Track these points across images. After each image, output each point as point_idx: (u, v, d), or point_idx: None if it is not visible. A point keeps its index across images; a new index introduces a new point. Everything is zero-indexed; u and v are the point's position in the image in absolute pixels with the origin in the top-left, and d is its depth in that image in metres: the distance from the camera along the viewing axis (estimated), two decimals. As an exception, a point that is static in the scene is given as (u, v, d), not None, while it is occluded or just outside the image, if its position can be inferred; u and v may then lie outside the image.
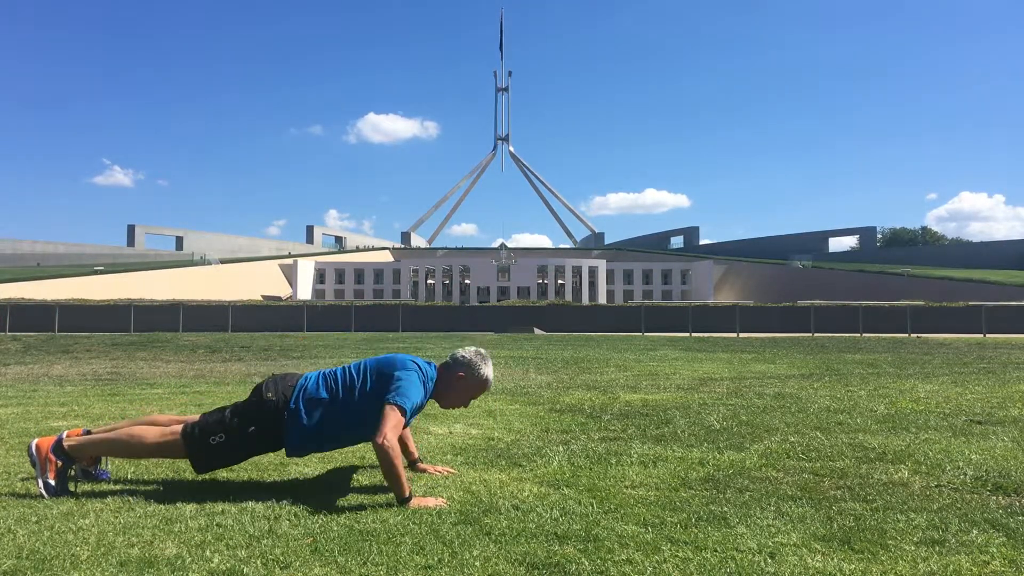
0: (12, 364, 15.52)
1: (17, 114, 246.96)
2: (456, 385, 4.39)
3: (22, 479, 4.45)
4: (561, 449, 5.39)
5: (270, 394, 4.22)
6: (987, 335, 34.47)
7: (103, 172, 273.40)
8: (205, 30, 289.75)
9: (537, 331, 38.55)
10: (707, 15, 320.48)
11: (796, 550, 3.12)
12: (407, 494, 3.81)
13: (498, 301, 78.62)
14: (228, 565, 2.94)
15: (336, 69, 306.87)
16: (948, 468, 4.77)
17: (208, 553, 3.07)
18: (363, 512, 3.68)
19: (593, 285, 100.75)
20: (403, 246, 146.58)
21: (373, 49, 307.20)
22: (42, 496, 3.97)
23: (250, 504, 3.81)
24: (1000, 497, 4.06)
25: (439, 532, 3.35)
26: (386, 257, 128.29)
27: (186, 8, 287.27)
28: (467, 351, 4.44)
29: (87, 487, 4.22)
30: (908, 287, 72.90)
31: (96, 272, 78.14)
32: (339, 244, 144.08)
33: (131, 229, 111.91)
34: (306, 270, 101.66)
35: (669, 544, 3.20)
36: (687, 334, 35.75)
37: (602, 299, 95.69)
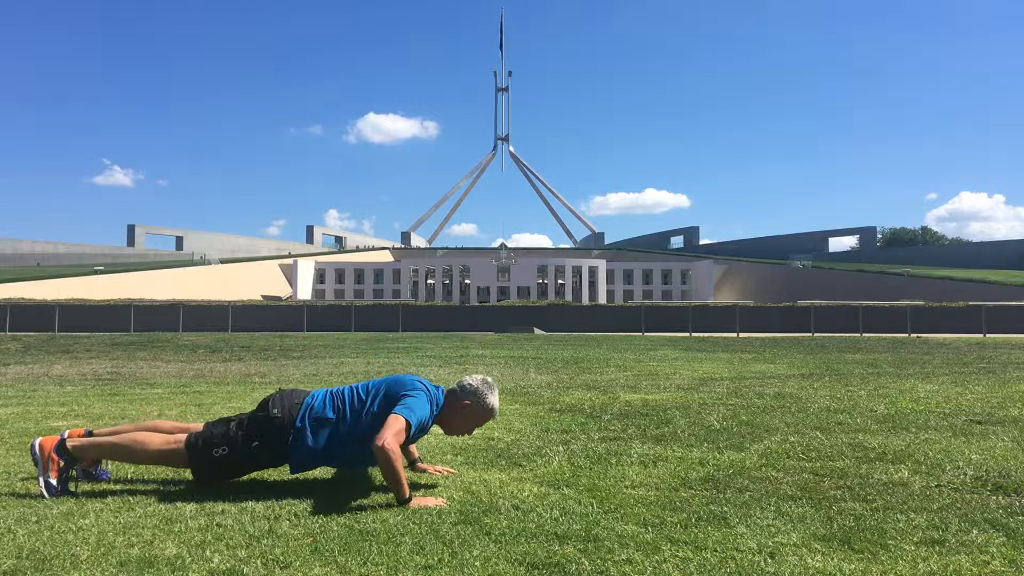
0: (12, 364, 15.52)
1: (17, 114, 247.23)
2: (461, 412, 4.37)
3: (22, 479, 4.45)
4: (561, 449, 5.40)
5: (276, 410, 4.23)
6: (987, 335, 34.48)
7: (103, 172, 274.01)
8: (205, 30, 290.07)
9: (537, 331, 38.56)
10: (707, 15, 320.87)
11: (796, 550, 3.12)
12: (407, 495, 3.81)
13: (498, 301, 78.62)
14: (228, 565, 2.94)
15: (336, 69, 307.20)
16: (948, 468, 4.77)
17: (208, 553, 3.08)
18: (363, 512, 3.68)
19: (593, 285, 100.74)
20: (403, 246, 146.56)
21: (373, 49, 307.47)
22: (42, 496, 3.98)
23: (250, 504, 3.81)
24: (1000, 497, 4.06)
25: (439, 532, 3.35)
26: (386, 257, 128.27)
27: (186, 8, 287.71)
28: (474, 379, 4.41)
29: (87, 487, 4.22)
30: (908, 287, 72.90)
31: (96, 272, 78.12)
32: (339, 244, 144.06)
33: (131, 229, 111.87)
34: (306, 270, 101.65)
35: (669, 544, 3.20)
36: (687, 334, 35.75)
37: (602, 299, 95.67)
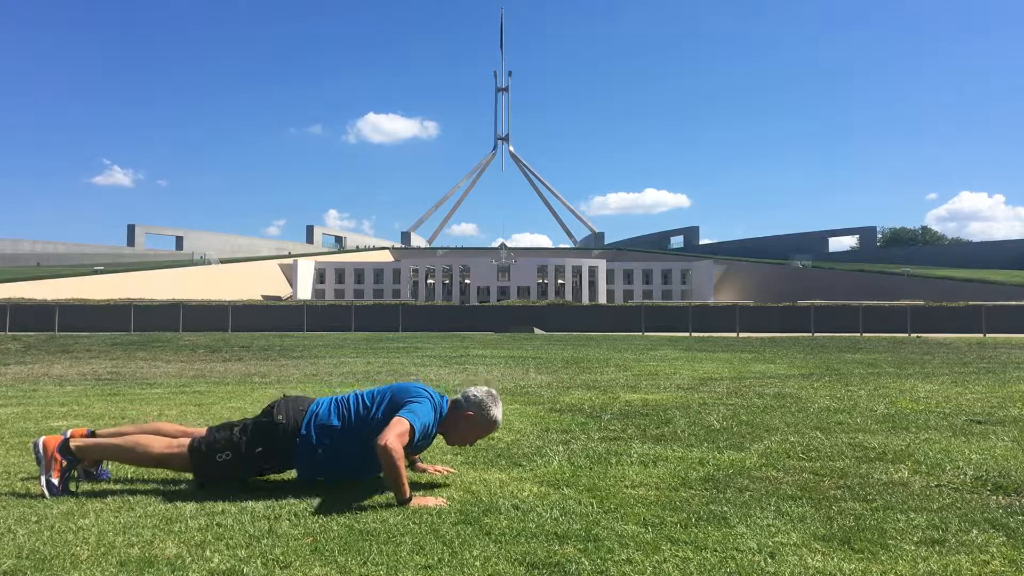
0: (12, 364, 15.52)
1: (17, 114, 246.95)
2: (464, 423, 4.37)
3: (22, 479, 4.45)
4: (561, 449, 5.40)
5: (281, 416, 4.24)
6: (987, 335, 34.48)
7: (103, 172, 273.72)
8: (205, 30, 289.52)
9: (537, 331, 38.56)
10: (707, 15, 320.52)
11: (796, 550, 3.12)
12: (407, 496, 3.81)
13: (498, 301, 78.67)
14: (228, 565, 2.94)
15: (336, 69, 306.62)
16: (948, 468, 4.77)
17: (208, 553, 3.08)
18: (363, 512, 3.68)
19: (593, 285, 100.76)
20: (403, 246, 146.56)
21: (373, 49, 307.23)
22: (43, 495, 3.98)
23: (250, 504, 3.82)
24: (1000, 497, 4.06)
25: (439, 532, 3.35)
26: (386, 257, 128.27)
27: (186, 8, 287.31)
28: (479, 391, 4.40)
29: (87, 487, 4.22)
30: (908, 287, 72.92)
31: (96, 272, 78.15)
32: (339, 244, 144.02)
33: (131, 229, 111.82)
34: (306, 270, 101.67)
35: (669, 544, 3.20)
36: (687, 334, 35.75)
37: (602, 299, 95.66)
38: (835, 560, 3.00)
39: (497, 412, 4.38)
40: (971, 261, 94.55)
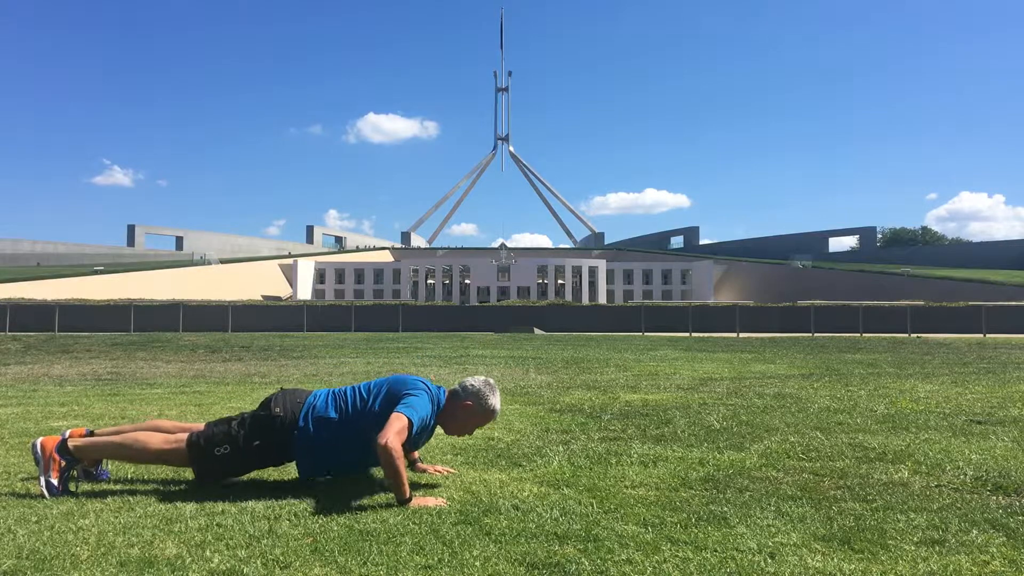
0: (12, 364, 15.52)
1: (17, 114, 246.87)
2: (462, 413, 4.38)
3: (22, 479, 4.45)
4: (561, 449, 5.40)
5: (278, 409, 4.24)
6: (987, 335, 34.48)
7: (103, 172, 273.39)
8: (205, 30, 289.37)
9: (537, 331, 38.55)
10: (707, 15, 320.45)
11: (796, 550, 3.12)
12: (407, 495, 3.81)
13: (498, 301, 78.64)
14: (228, 565, 2.94)
15: (336, 69, 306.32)
16: (948, 468, 4.77)
17: (208, 553, 3.08)
18: (363, 512, 3.68)
19: (593, 285, 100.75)
20: (403, 246, 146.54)
21: (373, 49, 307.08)
22: (43, 495, 3.98)
23: (250, 504, 3.82)
24: (1000, 497, 4.06)
25: (439, 532, 3.35)
26: (386, 257, 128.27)
27: (186, 8, 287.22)
28: (476, 380, 4.42)
29: (87, 487, 4.22)
30: (908, 287, 72.91)
31: (96, 272, 78.15)
32: (339, 244, 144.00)
33: (131, 229, 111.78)
34: (306, 270, 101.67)
35: (669, 544, 3.20)
36: (687, 334, 35.75)
37: (602, 299, 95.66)
38: (835, 560, 3.00)
39: (495, 401, 4.39)
40: (971, 261, 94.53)
